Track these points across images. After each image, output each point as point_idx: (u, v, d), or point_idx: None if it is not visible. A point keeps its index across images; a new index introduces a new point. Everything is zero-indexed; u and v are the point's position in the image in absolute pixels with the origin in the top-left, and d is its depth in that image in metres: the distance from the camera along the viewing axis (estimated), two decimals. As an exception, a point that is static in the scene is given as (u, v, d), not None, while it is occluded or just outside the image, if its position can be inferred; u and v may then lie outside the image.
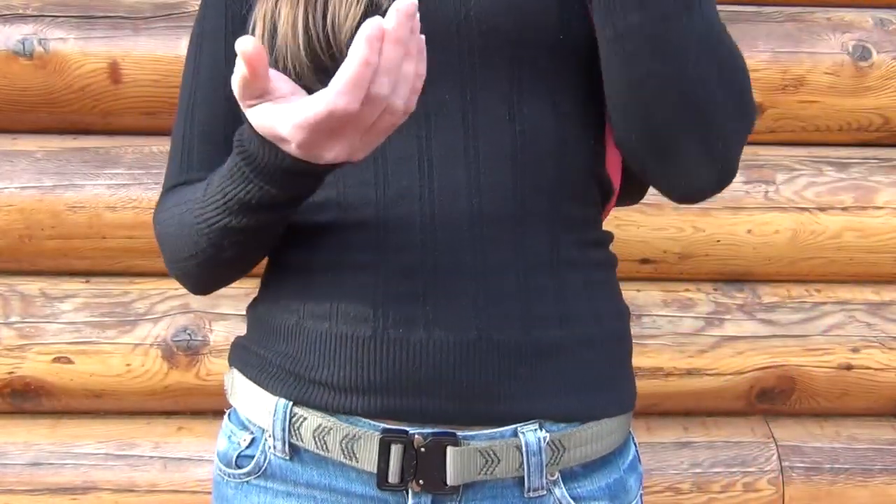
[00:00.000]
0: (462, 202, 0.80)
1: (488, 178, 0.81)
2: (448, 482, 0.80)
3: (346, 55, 0.78)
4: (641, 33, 0.73)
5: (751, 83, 0.81)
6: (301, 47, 0.80)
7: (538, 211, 0.82)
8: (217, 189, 0.77)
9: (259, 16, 0.84)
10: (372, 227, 0.81)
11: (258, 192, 0.74)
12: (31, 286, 1.44)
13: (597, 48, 0.83)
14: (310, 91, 0.80)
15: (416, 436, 0.80)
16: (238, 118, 0.90)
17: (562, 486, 0.83)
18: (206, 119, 0.90)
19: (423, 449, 0.79)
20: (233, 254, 0.82)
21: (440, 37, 0.80)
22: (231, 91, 0.89)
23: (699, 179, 0.81)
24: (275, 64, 0.81)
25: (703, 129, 0.77)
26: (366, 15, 0.78)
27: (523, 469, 0.81)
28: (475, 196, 0.80)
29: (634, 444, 0.93)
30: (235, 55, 0.89)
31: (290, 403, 0.83)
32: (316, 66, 0.80)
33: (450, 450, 0.79)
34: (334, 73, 0.79)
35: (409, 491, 0.81)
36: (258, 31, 0.82)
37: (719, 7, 0.83)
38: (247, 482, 0.87)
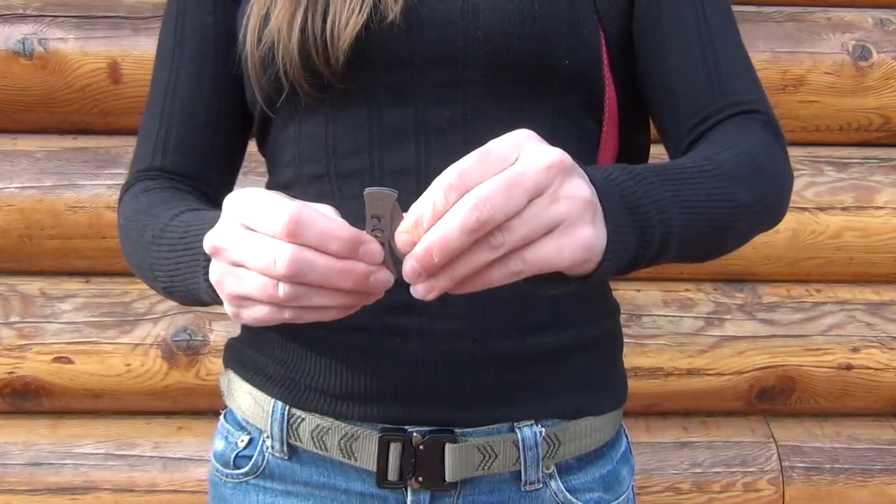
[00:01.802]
0: None
1: None
2: (447, 479, 0.80)
3: (343, 62, 0.78)
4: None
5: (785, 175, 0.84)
6: (294, 46, 0.78)
7: None
8: (173, 249, 0.74)
9: (255, 3, 0.82)
10: None
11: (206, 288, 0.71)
12: (31, 286, 1.44)
13: (598, 74, 0.84)
14: (302, 89, 0.80)
15: (415, 434, 0.80)
16: (222, 98, 0.89)
17: (557, 478, 0.84)
18: (188, 98, 0.88)
19: (421, 447, 0.79)
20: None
21: (445, 54, 0.79)
22: (218, 70, 0.88)
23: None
24: (260, 53, 0.80)
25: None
26: (369, 24, 0.78)
27: (520, 463, 0.81)
28: None
29: (626, 435, 0.94)
30: (223, 28, 0.87)
31: (288, 405, 0.83)
32: (307, 68, 0.78)
33: (448, 447, 0.79)
34: (328, 78, 0.79)
35: (409, 488, 0.81)
36: (252, 20, 0.81)
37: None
38: (245, 482, 0.87)
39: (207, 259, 0.67)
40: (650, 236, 0.67)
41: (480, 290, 0.59)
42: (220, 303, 0.68)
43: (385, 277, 0.60)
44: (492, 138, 0.78)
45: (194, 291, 0.72)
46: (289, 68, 0.78)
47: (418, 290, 0.58)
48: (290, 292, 0.59)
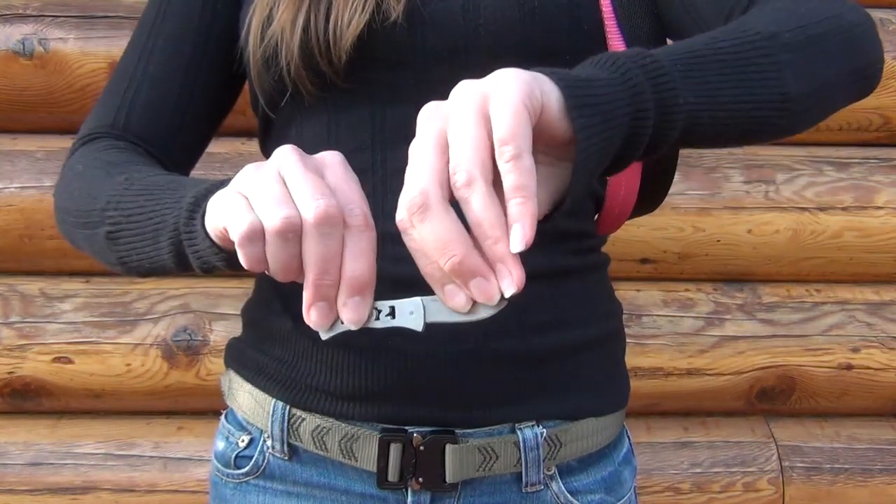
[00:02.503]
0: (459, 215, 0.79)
1: None
2: (447, 480, 0.80)
3: (346, 62, 0.78)
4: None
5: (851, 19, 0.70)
6: (296, 45, 0.78)
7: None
8: (141, 211, 0.70)
9: (258, 4, 0.81)
10: None
11: (167, 257, 0.67)
12: (31, 286, 1.44)
13: None
14: (304, 88, 0.80)
15: (415, 434, 0.80)
16: (198, 75, 0.87)
17: (558, 480, 0.84)
18: (164, 63, 0.86)
19: (422, 447, 0.79)
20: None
21: (447, 52, 0.79)
22: (198, 47, 0.87)
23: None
24: (263, 52, 0.80)
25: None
26: (371, 23, 0.78)
27: (521, 465, 0.81)
28: None
29: (628, 436, 0.93)
30: (212, 11, 0.87)
31: (288, 405, 0.83)
32: (310, 67, 0.78)
33: (448, 448, 0.79)
34: (331, 78, 0.79)
35: (409, 489, 0.81)
36: (255, 20, 0.81)
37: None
38: (246, 482, 0.87)
39: (195, 201, 0.63)
40: (627, 70, 0.59)
41: (533, 224, 0.54)
42: (179, 258, 0.65)
43: (320, 320, 0.57)
44: None
45: (152, 230, 0.67)
46: (292, 68, 0.78)
47: (506, 286, 0.56)
48: (285, 224, 0.53)
